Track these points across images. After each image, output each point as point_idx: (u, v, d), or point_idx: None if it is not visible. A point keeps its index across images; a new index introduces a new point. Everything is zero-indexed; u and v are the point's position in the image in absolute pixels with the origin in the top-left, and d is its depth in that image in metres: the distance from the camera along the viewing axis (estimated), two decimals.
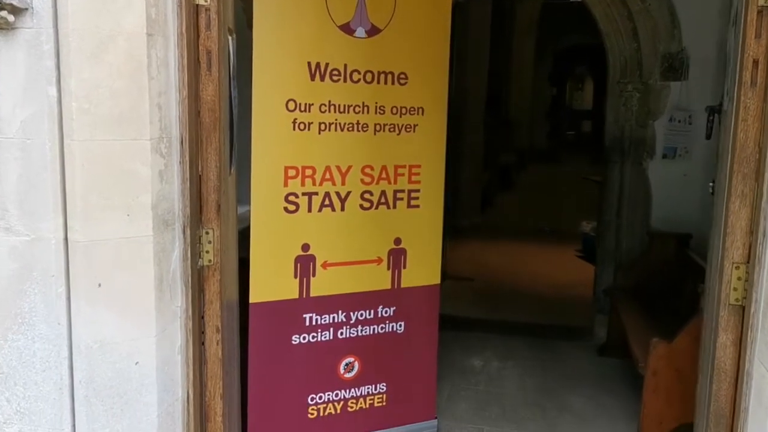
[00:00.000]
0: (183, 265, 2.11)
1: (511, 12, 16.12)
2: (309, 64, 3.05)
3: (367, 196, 3.26)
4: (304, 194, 3.11)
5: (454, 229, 8.71)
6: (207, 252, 2.21)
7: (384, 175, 3.29)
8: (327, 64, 3.09)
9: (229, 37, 2.46)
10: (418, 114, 3.32)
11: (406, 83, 3.27)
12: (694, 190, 4.88)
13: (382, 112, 3.23)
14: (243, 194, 2.81)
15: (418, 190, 3.38)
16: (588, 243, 8.10)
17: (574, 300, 6.24)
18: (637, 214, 5.02)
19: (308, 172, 3.11)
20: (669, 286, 4.61)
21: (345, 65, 3.13)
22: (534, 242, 8.74)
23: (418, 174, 3.36)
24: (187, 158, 2.08)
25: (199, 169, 2.18)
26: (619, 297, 4.73)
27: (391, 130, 3.27)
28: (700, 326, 3.35)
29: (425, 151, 3.37)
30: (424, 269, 3.48)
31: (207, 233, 2.21)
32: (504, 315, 5.83)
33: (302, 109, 3.05)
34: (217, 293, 2.25)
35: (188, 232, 2.11)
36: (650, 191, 4.96)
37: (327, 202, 3.17)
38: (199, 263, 2.20)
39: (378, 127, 3.24)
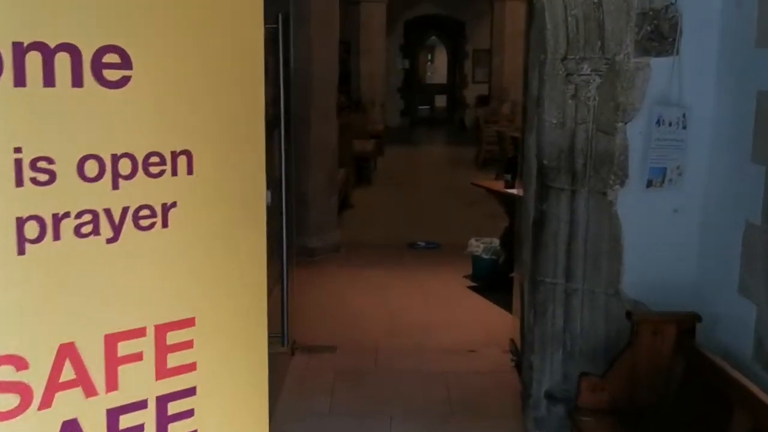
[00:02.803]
0: None
1: None
2: None
3: None
4: None
5: (300, 259, 6.55)
6: None
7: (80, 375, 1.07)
8: None
9: None
10: (174, 171, 1.12)
11: (127, 82, 1.05)
12: (690, 237, 3.01)
13: (45, 175, 1.00)
14: None
15: (192, 391, 1.18)
16: (480, 267, 6.23)
17: (486, 380, 4.30)
18: (600, 275, 3.08)
19: None
20: (680, 409, 2.72)
21: None
22: (410, 264, 6.75)
23: (188, 345, 1.17)
24: None
25: None
26: (592, 425, 2.78)
27: (91, 231, 1.05)
28: None
29: (205, 277, 1.18)
30: None
31: None
32: (390, 423, 3.76)
33: None
34: None
35: None
36: (621, 239, 3.04)
37: None
38: None
39: (40, 230, 1.00)
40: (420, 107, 21.45)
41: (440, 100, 21.62)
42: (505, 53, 15.74)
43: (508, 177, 5.66)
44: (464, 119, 20.39)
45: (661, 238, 3.01)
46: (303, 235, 6.79)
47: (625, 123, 2.96)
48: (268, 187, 3.71)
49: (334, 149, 7.12)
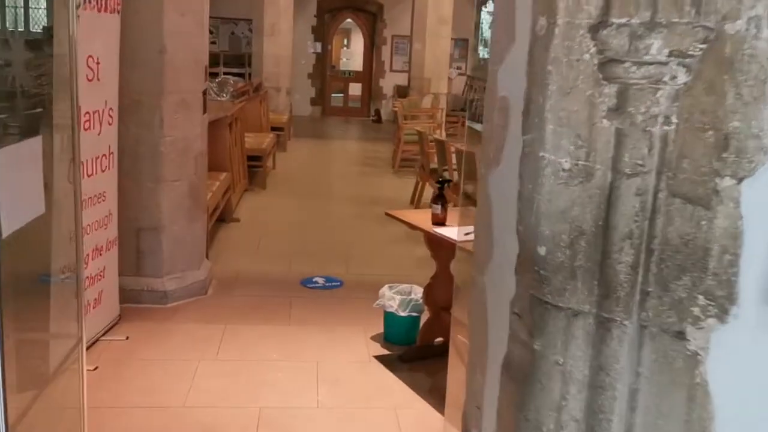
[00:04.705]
0: None
1: None
2: None
3: None
4: None
5: (146, 309, 4.61)
6: None
7: None
8: None
9: None
10: None
11: None
12: None
13: None
14: None
15: None
16: (396, 328, 4.51)
17: None
18: None
19: None
20: None
21: None
22: (300, 317, 4.96)
23: None
24: None
25: None
26: None
27: None
28: None
29: None
30: None
31: None
32: None
33: None
34: None
35: None
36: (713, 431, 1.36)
37: None
38: None
39: None
40: (333, 95, 19.59)
41: (355, 89, 19.78)
42: (427, 40, 14.12)
43: (438, 208, 3.95)
44: (380, 111, 18.72)
45: None
46: (151, 275, 4.90)
47: (740, 180, 1.27)
48: None
49: (201, 152, 5.23)
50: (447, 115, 14.09)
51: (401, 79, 17.83)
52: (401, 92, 16.77)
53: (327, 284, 5.60)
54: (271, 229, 7.30)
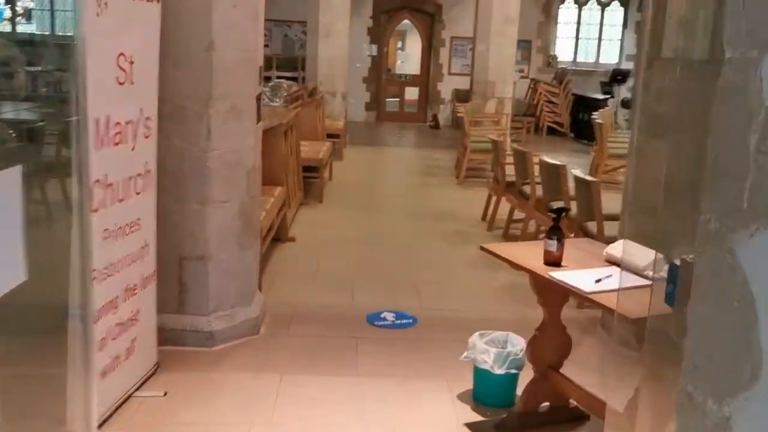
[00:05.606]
0: None
1: None
2: None
3: None
4: None
5: (188, 353, 3.82)
6: None
7: None
8: None
9: None
10: None
11: None
12: None
13: None
14: None
15: None
16: (489, 387, 3.66)
17: None
18: None
19: None
20: None
21: None
22: (368, 365, 4.15)
23: None
24: None
25: None
26: None
27: None
28: None
29: None
30: None
31: None
32: None
33: None
34: None
35: None
36: None
37: None
38: None
39: None
40: (388, 99, 18.80)
41: (411, 93, 18.94)
42: (492, 41, 13.18)
43: (553, 244, 3.10)
44: (438, 116, 17.86)
45: None
46: (196, 313, 4.17)
47: None
48: None
49: (254, 167, 4.48)
50: (511, 121, 13.20)
51: (460, 83, 16.94)
52: (461, 96, 15.89)
53: (397, 322, 4.79)
54: (330, 250, 6.52)
